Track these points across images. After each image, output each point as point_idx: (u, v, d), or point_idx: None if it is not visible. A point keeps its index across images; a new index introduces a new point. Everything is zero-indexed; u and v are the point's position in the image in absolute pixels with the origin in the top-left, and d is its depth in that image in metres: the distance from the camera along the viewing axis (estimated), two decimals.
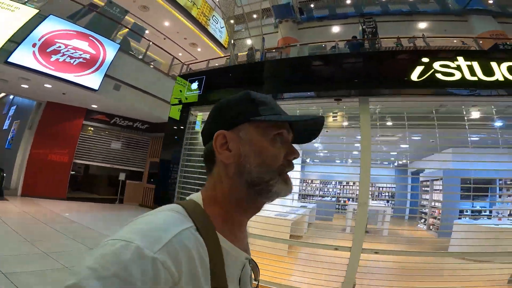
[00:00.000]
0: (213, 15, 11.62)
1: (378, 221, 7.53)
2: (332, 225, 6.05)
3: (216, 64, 9.66)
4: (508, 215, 6.20)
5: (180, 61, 9.05)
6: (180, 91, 4.49)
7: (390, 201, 8.90)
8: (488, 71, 2.88)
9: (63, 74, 6.05)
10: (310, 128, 0.61)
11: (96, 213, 6.87)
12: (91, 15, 7.03)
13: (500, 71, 2.85)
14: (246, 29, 7.56)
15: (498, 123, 3.57)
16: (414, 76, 3.01)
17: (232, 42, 8.23)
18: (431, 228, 7.55)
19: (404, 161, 9.51)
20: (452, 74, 2.93)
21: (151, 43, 8.15)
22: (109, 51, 6.77)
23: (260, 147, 0.53)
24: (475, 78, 2.87)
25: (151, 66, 8.34)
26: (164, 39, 10.94)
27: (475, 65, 2.92)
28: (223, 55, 11.28)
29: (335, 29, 11.39)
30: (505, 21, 9.91)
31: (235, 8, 7.40)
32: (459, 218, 6.14)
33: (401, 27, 10.47)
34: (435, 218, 7.50)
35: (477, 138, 4.72)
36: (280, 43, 11.10)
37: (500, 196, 6.98)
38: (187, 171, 4.24)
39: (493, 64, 2.90)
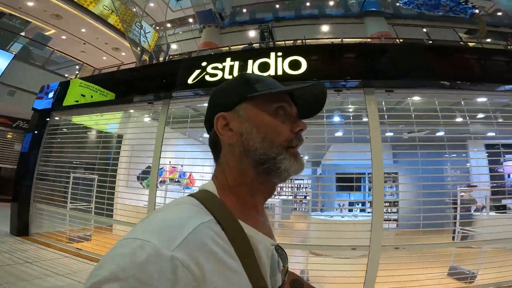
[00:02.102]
0: (136, 21, 12.07)
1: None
2: None
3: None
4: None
5: (89, 65, 9.43)
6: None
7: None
8: (244, 69, 3.37)
9: None
10: (313, 99, 0.59)
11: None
12: None
13: (252, 68, 3.34)
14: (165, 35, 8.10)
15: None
16: (190, 79, 3.68)
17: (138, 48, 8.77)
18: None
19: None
20: (216, 75, 3.51)
21: (54, 50, 8.49)
22: (1, 60, 7.11)
23: (261, 122, 0.52)
24: (231, 77, 3.40)
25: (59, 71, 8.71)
26: (84, 44, 11.27)
27: (236, 65, 3.44)
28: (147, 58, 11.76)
29: (252, 33, 12.22)
30: (395, 22, 11.13)
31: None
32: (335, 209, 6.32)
33: (309, 30, 11.46)
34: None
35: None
36: (200, 46, 11.76)
37: (370, 189, 7.74)
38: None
39: (249, 62, 3.40)
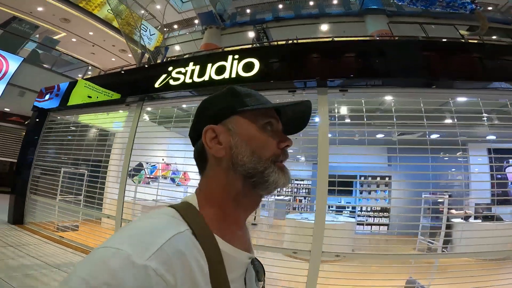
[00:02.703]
0: (142, 24, 12.56)
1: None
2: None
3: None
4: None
5: (95, 66, 9.97)
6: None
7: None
8: (203, 73, 3.53)
9: None
10: (298, 116, 0.61)
11: None
12: None
13: (210, 72, 3.52)
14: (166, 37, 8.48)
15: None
16: (157, 83, 3.91)
17: (139, 49, 9.18)
18: None
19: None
20: (178, 79, 3.71)
21: (61, 53, 9.07)
22: (12, 63, 7.71)
23: (251, 136, 0.53)
24: (190, 81, 3.59)
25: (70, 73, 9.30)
26: (93, 46, 11.89)
27: (197, 69, 3.61)
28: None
29: (252, 34, 12.35)
30: (396, 20, 10.88)
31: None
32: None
33: (309, 30, 11.44)
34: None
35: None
36: (201, 48, 12.07)
37: (361, 192, 7.72)
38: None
39: (209, 66, 3.54)
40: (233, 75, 3.26)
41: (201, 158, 0.56)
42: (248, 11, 13.07)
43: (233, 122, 0.54)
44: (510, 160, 6.41)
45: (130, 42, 9.97)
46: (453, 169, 5.59)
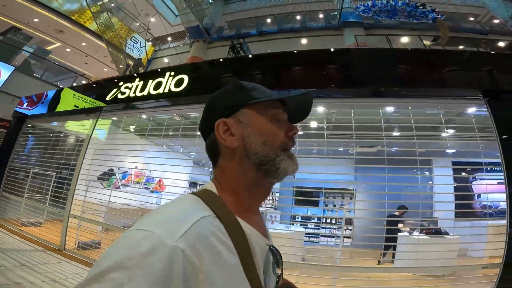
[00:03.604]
0: (132, 36, 13.28)
1: None
2: None
3: None
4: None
5: (84, 76, 10.58)
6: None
7: None
8: (145, 88, 3.97)
9: None
10: (301, 106, 0.65)
11: None
12: None
13: (149, 87, 3.92)
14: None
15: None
16: (108, 97, 4.38)
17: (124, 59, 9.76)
18: None
19: None
20: (125, 93, 4.18)
21: (51, 63, 9.73)
22: (3, 72, 8.37)
23: (262, 127, 0.57)
24: (133, 95, 4.07)
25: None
26: (86, 56, 12.60)
27: (140, 84, 4.06)
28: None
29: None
30: (374, 33, 11.31)
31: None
32: (291, 224, 6.70)
33: (290, 43, 11.97)
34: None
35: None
36: (188, 61, 12.67)
37: (326, 205, 7.76)
38: None
39: (149, 82, 3.97)
40: (166, 90, 3.71)
41: (214, 151, 0.59)
42: (233, 26, 13.72)
43: (243, 115, 0.57)
44: (476, 174, 6.51)
45: (119, 53, 10.58)
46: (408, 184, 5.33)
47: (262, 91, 0.60)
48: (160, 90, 3.77)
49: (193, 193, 0.53)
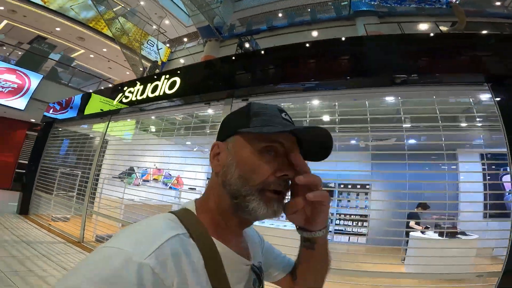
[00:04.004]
0: (149, 39, 13.88)
1: None
2: None
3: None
4: None
5: (107, 81, 11.32)
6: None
7: None
8: (144, 92, 4.30)
9: None
10: (317, 142, 0.57)
11: None
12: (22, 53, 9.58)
13: (147, 91, 4.23)
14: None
15: None
16: (115, 101, 4.73)
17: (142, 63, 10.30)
18: None
19: None
20: (128, 97, 4.52)
21: (76, 69, 10.53)
22: (33, 80, 9.23)
23: (241, 159, 0.53)
24: (134, 99, 4.39)
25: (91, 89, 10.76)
26: (108, 61, 13.44)
27: (140, 88, 4.37)
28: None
29: (247, 44, 13.00)
30: (389, 20, 10.80)
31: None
32: None
33: (301, 37, 11.82)
34: None
35: None
36: (202, 60, 13.01)
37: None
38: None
39: (148, 85, 4.26)
40: (161, 93, 3.97)
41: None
42: (245, 23, 13.79)
43: (232, 142, 0.55)
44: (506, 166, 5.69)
45: (136, 56, 11.15)
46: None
47: (263, 118, 0.55)
48: (157, 93, 4.05)
49: (170, 211, 0.54)
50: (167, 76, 4.05)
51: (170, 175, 7.87)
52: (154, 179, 7.88)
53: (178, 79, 3.87)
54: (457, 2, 7.54)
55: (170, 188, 8.09)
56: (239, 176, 0.52)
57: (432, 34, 3.11)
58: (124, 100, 4.55)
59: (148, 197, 4.83)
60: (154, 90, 4.14)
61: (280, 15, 13.73)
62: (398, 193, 4.65)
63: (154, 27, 15.47)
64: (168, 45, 16.29)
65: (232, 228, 0.57)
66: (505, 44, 2.67)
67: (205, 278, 0.46)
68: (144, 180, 7.27)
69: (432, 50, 2.80)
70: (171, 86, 3.88)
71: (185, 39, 18.05)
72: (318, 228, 0.58)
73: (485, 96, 2.71)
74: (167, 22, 16.12)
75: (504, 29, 9.03)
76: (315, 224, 0.57)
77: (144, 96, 4.25)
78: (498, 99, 2.54)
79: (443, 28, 8.67)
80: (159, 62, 14.10)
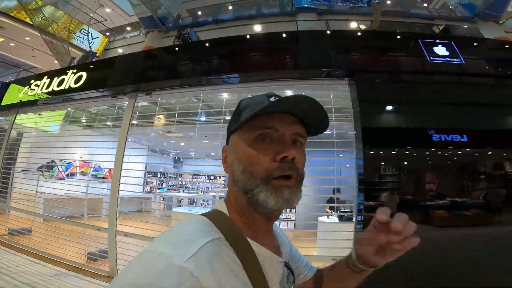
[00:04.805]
0: (82, 28, 12.74)
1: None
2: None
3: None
4: None
5: (28, 71, 10.15)
6: None
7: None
8: (50, 85, 4.09)
9: None
10: (310, 113, 0.54)
11: None
12: None
13: (53, 85, 4.02)
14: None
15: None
16: (21, 94, 4.32)
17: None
18: None
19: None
20: (33, 90, 4.20)
21: None
22: None
23: (240, 153, 0.54)
24: (40, 92, 4.13)
25: None
26: (32, 50, 12.09)
27: (47, 81, 4.14)
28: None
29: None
30: (328, 18, 11.41)
31: None
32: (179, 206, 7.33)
33: (243, 31, 11.90)
34: None
35: None
36: (142, 50, 12.37)
37: None
38: None
39: (55, 79, 4.06)
40: (67, 87, 3.75)
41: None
42: (187, 14, 13.43)
43: (232, 141, 0.57)
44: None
45: (64, 45, 10.17)
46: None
47: (249, 110, 0.54)
48: (62, 87, 3.87)
49: (203, 214, 0.54)
50: (74, 71, 3.82)
51: (100, 167, 7.45)
52: (81, 172, 7.41)
53: (84, 74, 3.67)
54: (376, 1, 8.31)
55: (101, 181, 7.74)
56: (243, 171, 0.53)
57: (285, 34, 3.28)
58: (29, 93, 4.20)
59: (73, 190, 4.55)
60: (60, 83, 3.96)
61: (230, 8, 13.63)
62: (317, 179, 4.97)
63: (92, 15, 14.28)
64: (109, 33, 15.16)
65: (260, 226, 0.56)
66: (365, 42, 3.02)
67: (244, 279, 0.46)
68: (70, 174, 6.81)
69: (296, 47, 3.08)
70: (77, 80, 3.67)
71: (129, 28, 16.96)
72: (381, 265, 0.55)
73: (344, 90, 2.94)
74: (108, 10, 14.95)
75: (412, 28, 10.16)
76: (381, 262, 0.54)
77: (50, 89, 4.06)
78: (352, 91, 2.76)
79: (362, 27, 9.47)
80: (98, 53, 13.08)
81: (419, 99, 2.60)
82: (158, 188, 10.85)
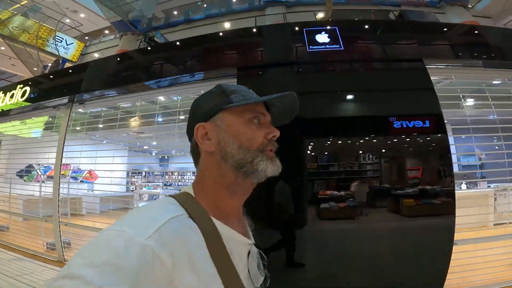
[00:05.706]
0: (56, 35, 12.89)
1: None
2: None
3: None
4: None
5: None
6: None
7: None
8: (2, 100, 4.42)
9: None
10: (287, 107, 0.65)
11: None
12: None
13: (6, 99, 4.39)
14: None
15: None
16: None
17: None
18: None
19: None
20: None
21: None
22: None
23: (236, 131, 0.58)
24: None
25: None
26: (10, 58, 12.30)
27: (2, 96, 4.47)
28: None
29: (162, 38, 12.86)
30: (294, 10, 11.56)
31: None
32: None
33: (214, 29, 12.05)
34: None
35: None
36: (117, 52, 12.55)
37: None
38: None
39: (8, 93, 4.38)
40: (14, 101, 4.09)
41: (195, 153, 0.62)
42: (160, 16, 13.58)
43: (219, 119, 0.59)
44: None
45: (35, 53, 10.37)
46: None
47: (242, 94, 0.61)
48: (13, 101, 4.23)
49: (170, 195, 0.55)
50: (21, 86, 4.15)
51: (80, 169, 7.81)
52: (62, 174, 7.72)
53: (28, 88, 4.00)
54: None
55: (82, 182, 8.23)
56: (240, 146, 0.57)
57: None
58: None
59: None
60: (11, 97, 4.30)
61: (204, 5, 13.73)
62: None
63: (68, 20, 14.39)
64: (87, 37, 15.28)
65: (232, 205, 0.59)
66: (248, 39, 3.15)
67: (207, 257, 0.47)
68: (48, 176, 7.16)
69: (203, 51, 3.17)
70: (23, 95, 4.01)
71: (107, 31, 17.04)
72: None
73: None
74: (82, 15, 15.02)
75: (368, 15, 10.29)
76: None
77: (4, 104, 4.38)
78: None
79: (318, 17, 9.65)
80: (74, 59, 13.27)
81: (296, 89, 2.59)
82: (144, 187, 11.30)
